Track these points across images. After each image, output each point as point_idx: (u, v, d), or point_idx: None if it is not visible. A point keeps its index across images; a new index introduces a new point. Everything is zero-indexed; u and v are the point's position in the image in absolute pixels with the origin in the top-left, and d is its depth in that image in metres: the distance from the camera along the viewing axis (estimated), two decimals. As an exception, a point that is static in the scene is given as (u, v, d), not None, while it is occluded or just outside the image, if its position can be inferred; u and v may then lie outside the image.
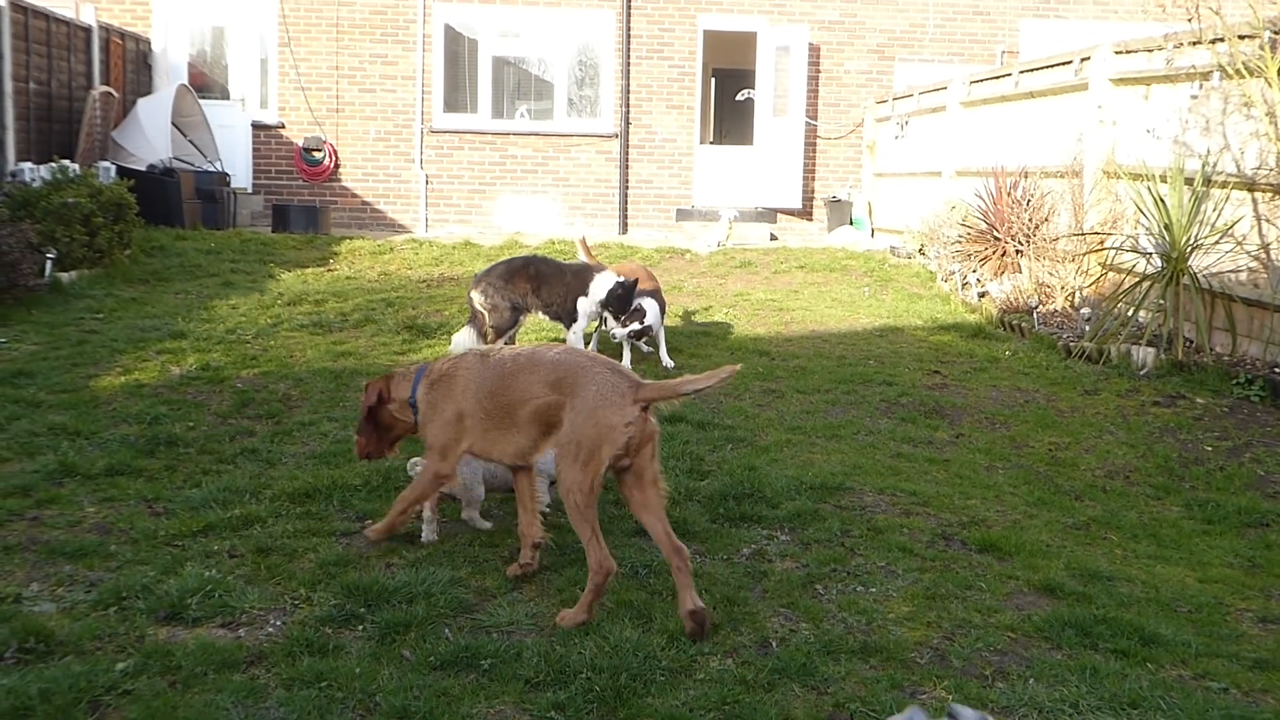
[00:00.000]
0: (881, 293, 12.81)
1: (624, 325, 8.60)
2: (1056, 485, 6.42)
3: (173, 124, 15.97)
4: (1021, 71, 13.63)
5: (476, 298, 8.60)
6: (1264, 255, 8.85)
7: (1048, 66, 12.95)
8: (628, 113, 18.55)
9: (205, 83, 18.37)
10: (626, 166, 18.60)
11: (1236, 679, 4.15)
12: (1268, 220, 8.76)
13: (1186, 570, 5.26)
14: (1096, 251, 11.37)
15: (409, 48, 18.27)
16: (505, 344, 8.63)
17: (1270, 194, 8.68)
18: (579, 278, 8.71)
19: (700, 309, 11.26)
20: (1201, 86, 9.85)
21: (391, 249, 14.60)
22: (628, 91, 18.52)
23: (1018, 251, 12.35)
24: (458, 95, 18.64)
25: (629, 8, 18.34)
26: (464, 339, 8.53)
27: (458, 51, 18.62)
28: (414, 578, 4.64)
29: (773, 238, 18.02)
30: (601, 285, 8.61)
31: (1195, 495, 6.29)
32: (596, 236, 15.75)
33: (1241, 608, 4.84)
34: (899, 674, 4.08)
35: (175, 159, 15.74)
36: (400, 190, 18.47)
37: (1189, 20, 9.75)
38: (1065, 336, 10.16)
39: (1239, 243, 9.21)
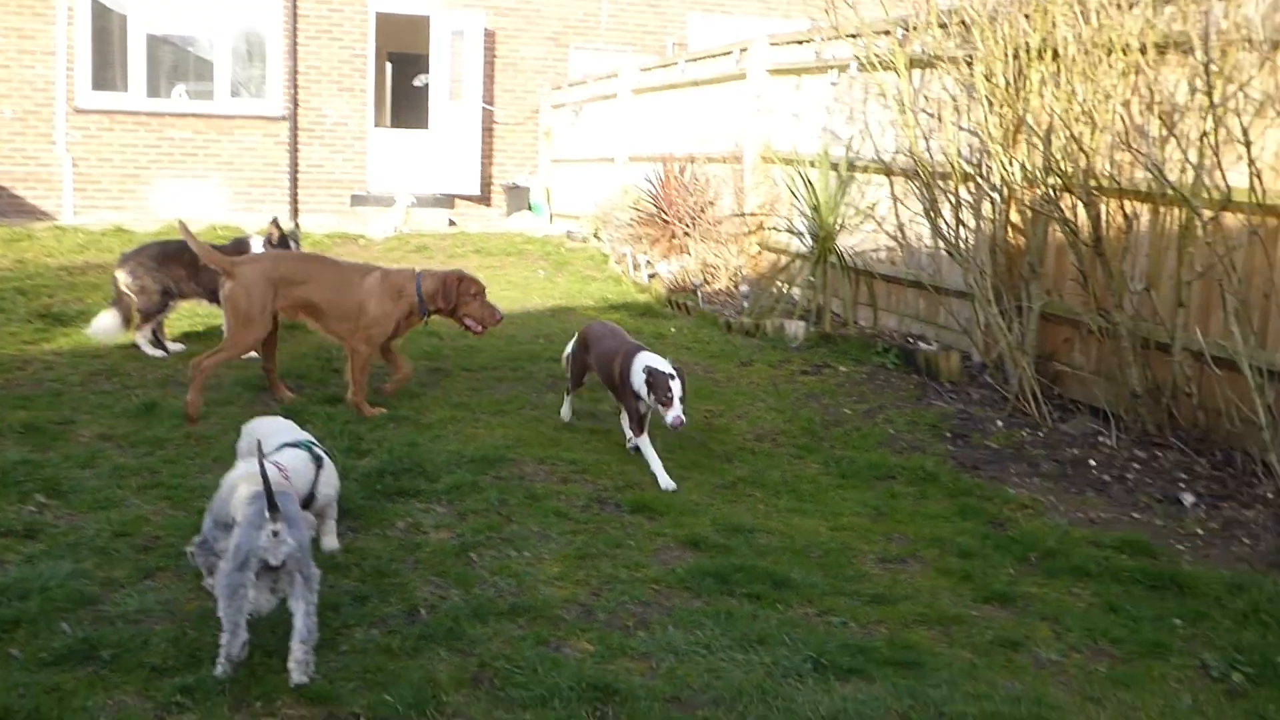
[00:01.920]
0: (557, 275, 12.97)
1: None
2: (709, 449, 6.69)
3: None
4: (688, 61, 14.15)
5: (123, 278, 8.05)
6: (900, 235, 9.57)
7: (711, 56, 13.50)
8: (296, 94, 17.90)
9: None
10: (296, 150, 17.95)
11: (856, 614, 4.46)
12: (902, 202, 9.46)
13: (820, 521, 5.61)
14: (755, 233, 11.97)
15: (49, 21, 16.87)
16: (153, 330, 8.14)
17: (904, 178, 9.39)
18: (238, 253, 8.35)
19: (371, 292, 11.00)
20: (841, 76, 10.54)
21: (30, 236, 13.45)
22: (296, 73, 17.87)
23: (685, 234, 12.83)
24: (108, 73, 17.38)
25: (296, -14, 17.69)
26: (106, 323, 7.97)
27: (107, 27, 17.36)
28: (29, 573, 4.28)
29: (451, 223, 17.88)
30: (256, 244, 8.41)
31: (833, 453, 6.72)
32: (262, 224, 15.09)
33: (865, 551, 5.20)
34: (545, 630, 4.13)
35: None
36: (41, 174, 17.03)
37: (827, 13, 10.39)
38: (727, 313, 10.64)
39: (879, 224, 9.92)
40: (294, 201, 17.95)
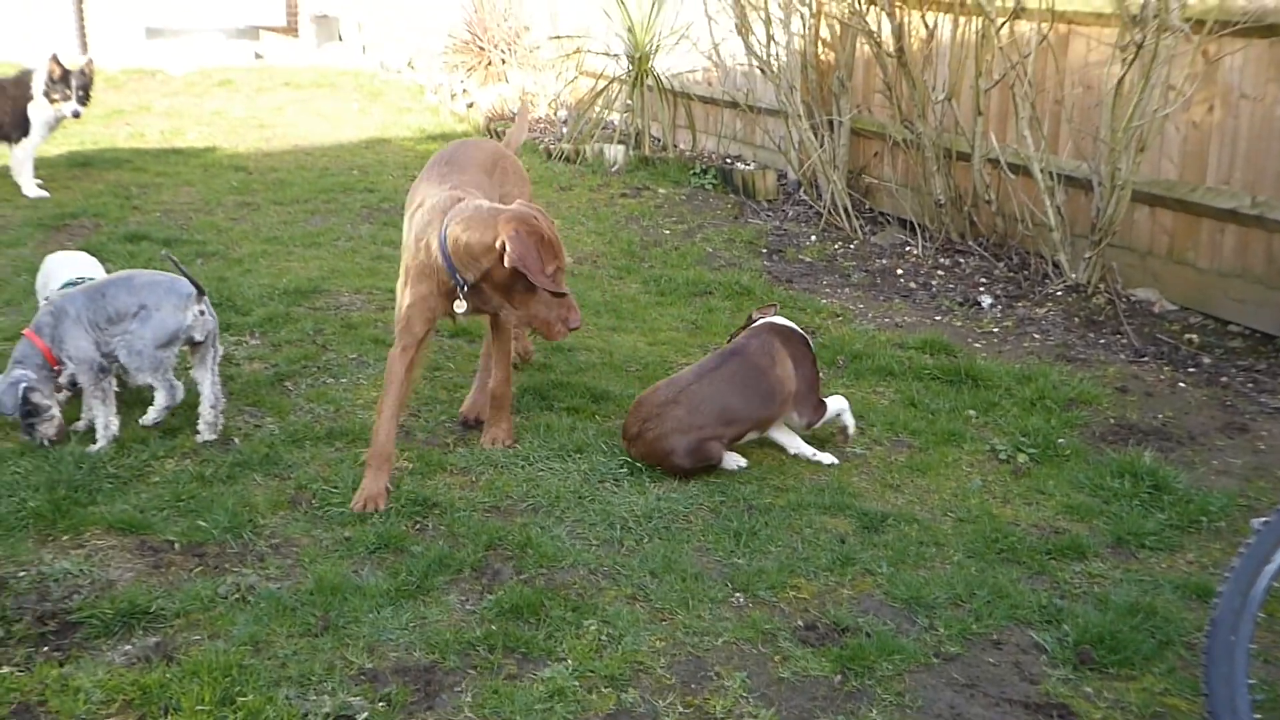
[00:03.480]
0: (371, 107, 12.51)
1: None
2: (530, 273, 6.67)
3: None
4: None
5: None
6: (715, 54, 9.51)
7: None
8: (76, -85, 16.46)
9: None
10: (81, -23, 16.60)
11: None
12: (714, 20, 9.38)
13: (639, 337, 5.71)
14: (572, 56, 11.74)
15: None
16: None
17: (716, -5, 9.28)
18: (20, 85, 7.78)
19: (171, 129, 10.45)
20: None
21: None
22: (73, -109, 16.38)
23: (503, 60, 12.52)
24: None
25: None
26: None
27: None
28: None
29: (257, 56, 16.96)
30: (40, 77, 7.72)
31: (652, 273, 6.79)
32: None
33: (683, 363, 5.31)
34: (363, 452, 4.12)
35: None
36: None
37: None
38: (547, 140, 10.50)
39: (694, 44, 9.84)
40: (81, 35, 16.69)
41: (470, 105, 12.14)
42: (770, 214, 8.27)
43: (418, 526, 3.66)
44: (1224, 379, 5.26)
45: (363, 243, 7.04)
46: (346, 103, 12.71)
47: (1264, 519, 2.72)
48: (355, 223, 7.50)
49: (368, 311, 5.71)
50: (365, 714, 2.75)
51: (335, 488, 3.83)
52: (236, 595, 3.20)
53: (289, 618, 3.10)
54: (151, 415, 4.21)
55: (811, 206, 8.20)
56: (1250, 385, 5.18)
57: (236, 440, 4.18)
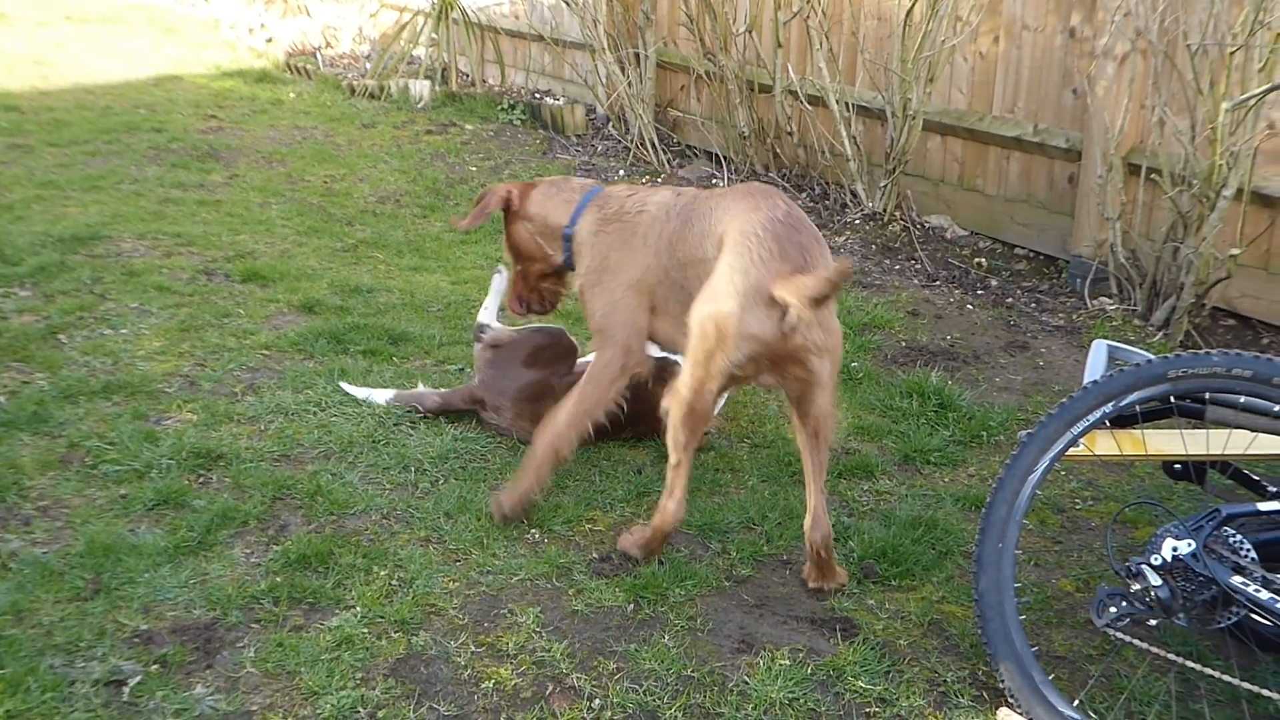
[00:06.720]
0: (164, 44, 11.86)
1: None
2: (329, 214, 6.46)
3: None
4: None
5: None
6: (520, -13, 9.35)
7: None
8: None
9: None
10: None
11: (468, 358, 4.51)
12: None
13: (442, 276, 5.59)
14: (375, -11, 11.38)
15: None
16: None
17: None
18: None
19: (-64, 67, 9.70)
20: None
21: None
22: None
23: (300, -7, 12.03)
24: None
25: None
26: None
27: None
28: None
29: (37, -11, 15.85)
30: None
31: (458, 210, 6.65)
32: None
33: (478, 300, 5.23)
34: (144, 405, 3.93)
35: None
36: None
37: None
38: (350, 76, 10.15)
39: (499, -25, 9.64)
40: None
41: (270, 40, 11.64)
42: (579, 149, 8.21)
43: (201, 480, 3.51)
44: (1009, 300, 5.49)
45: (148, 185, 6.69)
46: (137, 39, 12.02)
47: (1029, 431, 2.83)
48: (141, 164, 7.11)
49: (152, 258, 5.43)
50: (138, 678, 2.62)
51: (112, 444, 3.63)
52: (-3, 563, 3.01)
53: (56, 583, 2.93)
54: None
55: (620, 141, 8.17)
56: (1033, 305, 5.41)
57: (1, 399, 3.92)
